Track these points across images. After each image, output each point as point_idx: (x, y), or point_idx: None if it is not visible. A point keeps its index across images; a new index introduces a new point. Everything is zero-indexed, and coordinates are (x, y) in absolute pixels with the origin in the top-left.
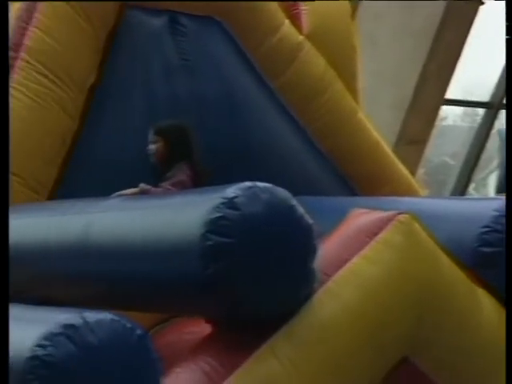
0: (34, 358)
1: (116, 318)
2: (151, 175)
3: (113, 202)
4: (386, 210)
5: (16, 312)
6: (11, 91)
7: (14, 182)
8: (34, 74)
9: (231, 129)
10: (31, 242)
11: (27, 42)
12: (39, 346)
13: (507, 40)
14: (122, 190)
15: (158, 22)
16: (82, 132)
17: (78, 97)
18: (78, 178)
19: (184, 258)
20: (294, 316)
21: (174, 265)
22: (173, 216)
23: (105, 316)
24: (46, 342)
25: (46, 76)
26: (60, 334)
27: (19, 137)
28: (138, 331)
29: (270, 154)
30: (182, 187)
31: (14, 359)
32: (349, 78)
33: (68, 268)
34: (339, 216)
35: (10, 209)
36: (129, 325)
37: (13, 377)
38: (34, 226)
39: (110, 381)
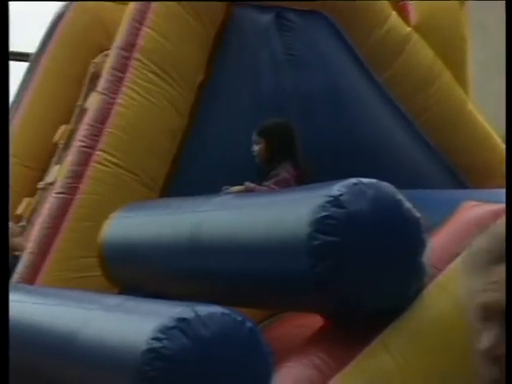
0: (150, 350)
1: (226, 311)
2: (258, 173)
3: (220, 200)
4: (497, 202)
5: (130, 305)
6: (126, 91)
7: (128, 178)
8: (147, 72)
9: (338, 124)
10: (146, 238)
11: (140, 41)
12: (155, 338)
13: (507, 39)
14: (231, 186)
15: (265, 18)
16: (191, 129)
17: (188, 95)
18: (188, 175)
19: (291, 257)
20: (404, 311)
21: (281, 263)
22: (279, 214)
23: (216, 309)
24: (162, 335)
25: (157, 75)
26: (174, 327)
27: (133, 135)
28: (249, 324)
29: (377, 148)
30: (285, 186)
31: (130, 351)
32: (458, 68)
33: (179, 265)
34: (450, 209)
35: (128, 207)
36: (239, 318)
37: (128, 368)
38: (148, 223)
39: (222, 373)
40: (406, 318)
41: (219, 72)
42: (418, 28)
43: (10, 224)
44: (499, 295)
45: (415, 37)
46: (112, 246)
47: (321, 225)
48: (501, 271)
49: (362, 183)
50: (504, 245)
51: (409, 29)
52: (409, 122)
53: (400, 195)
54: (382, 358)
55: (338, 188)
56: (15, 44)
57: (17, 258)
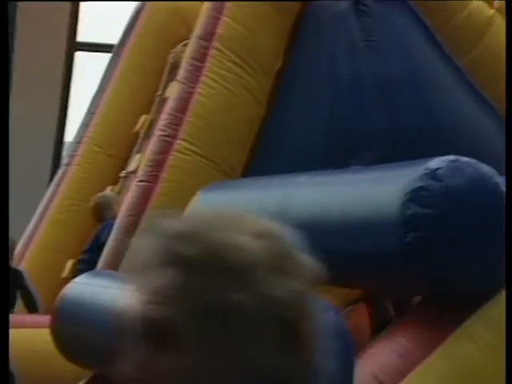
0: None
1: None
2: (337, 159)
3: (308, 177)
4: None
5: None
6: (206, 80)
7: (208, 166)
8: (226, 61)
9: (418, 109)
10: None
11: (219, 30)
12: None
13: (507, 39)
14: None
15: (342, 5)
16: (269, 117)
17: (265, 83)
18: (266, 163)
19: (382, 228)
20: (489, 298)
21: (371, 236)
22: (372, 188)
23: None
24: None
25: (236, 63)
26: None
27: (212, 123)
28: (332, 312)
29: (457, 134)
30: None
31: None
32: None
33: None
34: None
35: (211, 187)
36: (323, 304)
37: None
38: (233, 202)
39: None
40: (490, 305)
41: (296, 59)
42: (502, 10)
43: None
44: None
45: (499, 19)
46: None
47: (416, 195)
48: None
49: (461, 161)
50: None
51: (492, 11)
52: (491, 108)
53: (498, 178)
54: (466, 347)
55: (436, 162)
56: (99, 36)
57: None
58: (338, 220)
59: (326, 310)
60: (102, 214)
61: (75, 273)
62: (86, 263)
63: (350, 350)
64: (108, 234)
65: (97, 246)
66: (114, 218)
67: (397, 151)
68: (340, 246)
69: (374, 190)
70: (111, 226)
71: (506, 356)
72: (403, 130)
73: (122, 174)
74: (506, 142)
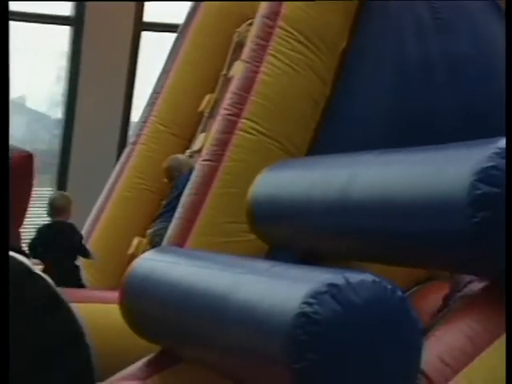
0: (302, 314)
1: (377, 279)
2: (403, 138)
3: (374, 156)
4: None
5: (279, 270)
6: (271, 59)
7: (272, 146)
8: (291, 40)
9: (486, 88)
10: (295, 195)
11: (284, 10)
12: (306, 303)
13: (507, 39)
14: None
15: None
16: (333, 96)
17: (331, 62)
18: (330, 142)
19: (450, 208)
20: None
21: (439, 216)
22: (439, 168)
23: (366, 277)
24: (313, 300)
25: (301, 42)
26: (325, 292)
27: (276, 102)
28: (399, 293)
29: None
30: None
31: (281, 315)
32: None
33: (329, 222)
34: None
35: (276, 165)
36: (389, 286)
37: (279, 331)
38: (297, 180)
39: (372, 340)
40: None
41: (362, 38)
42: None
43: None
44: None
45: None
46: (261, 203)
47: (485, 174)
48: None
49: None
50: None
51: None
52: None
53: None
54: None
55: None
56: (165, 15)
57: None
58: (403, 200)
59: (393, 291)
60: (174, 175)
61: (155, 230)
62: (168, 214)
63: (416, 332)
64: (185, 184)
65: (175, 197)
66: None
67: (465, 130)
68: (406, 227)
69: (441, 170)
70: (187, 177)
71: (506, 356)
72: (472, 108)
73: (187, 153)
74: (506, 141)
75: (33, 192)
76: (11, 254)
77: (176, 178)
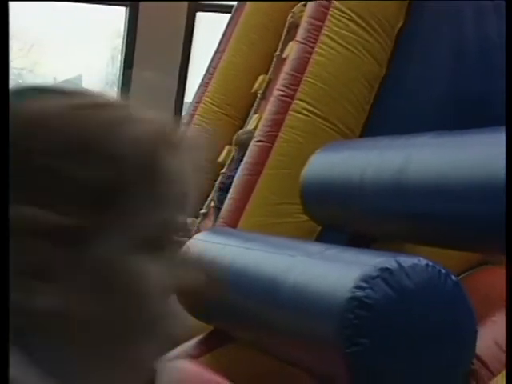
0: (353, 298)
1: (431, 263)
2: (460, 119)
3: (431, 137)
4: None
5: (332, 253)
6: (325, 39)
7: (326, 127)
8: (346, 21)
9: None
10: (348, 177)
11: None
12: (358, 287)
13: (507, 39)
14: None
15: None
16: (388, 77)
17: (386, 43)
18: (383, 124)
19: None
20: None
21: (495, 198)
22: (495, 150)
23: (419, 261)
24: (365, 284)
25: (356, 23)
26: (377, 276)
27: (330, 84)
28: (453, 277)
29: None
30: None
31: (333, 299)
32: None
33: (383, 205)
34: None
35: (330, 146)
36: (444, 270)
37: (331, 315)
38: (351, 161)
39: (424, 325)
40: None
41: (417, 18)
42: None
43: None
44: None
45: None
46: (313, 184)
47: None
48: None
49: None
50: None
51: None
52: None
53: None
54: None
55: None
56: None
57: None
58: (459, 183)
59: (446, 275)
60: (246, 148)
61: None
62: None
63: (470, 317)
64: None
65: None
66: None
67: None
68: (461, 209)
69: (498, 153)
70: None
71: (506, 356)
72: None
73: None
74: (506, 142)
75: None
76: None
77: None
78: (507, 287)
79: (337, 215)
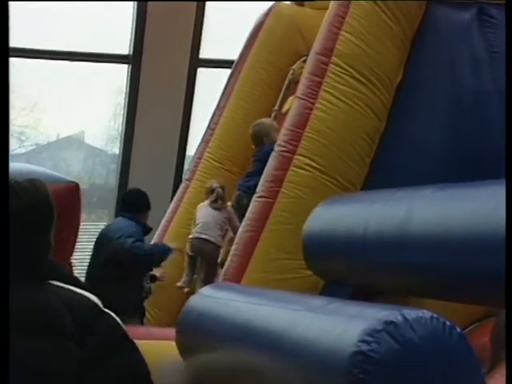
0: (358, 352)
1: (435, 315)
2: (459, 172)
3: (433, 191)
4: None
5: (335, 307)
6: (325, 95)
7: (327, 182)
8: (345, 76)
9: None
10: (351, 230)
11: (338, 46)
12: (363, 341)
13: (507, 40)
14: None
15: (464, 15)
16: (387, 130)
17: (385, 97)
18: (384, 177)
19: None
20: None
21: (498, 252)
22: (497, 205)
23: (423, 313)
24: (370, 338)
25: (356, 78)
26: (381, 330)
27: (331, 139)
28: (458, 330)
29: None
30: None
31: (338, 353)
32: None
33: (386, 258)
34: None
35: (331, 199)
36: (448, 323)
37: (336, 370)
38: (354, 215)
39: (430, 379)
40: None
41: (416, 70)
42: None
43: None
44: None
45: None
46: (316, 238)
47: None
48: None
49: None
50: None
51: None
52: None
53: None
54: None
55: None
56: (220, 52)
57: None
58: (462, 236)
59: (451, 328)
60: (261, 140)
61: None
62: (246, 188)
63: (476, 371)
64: (264, 161)
65: (257, 171)
66: (273, 142)
67: None
68: (464, 263)
69: (500, 206)
70: (268, 150)
71: (506, 356)
72: None
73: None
74: (505, 144)
75: (89, 225)
76: (80, 291)
77: (264, 142)
78: (507, 287)
79: (340, 269)
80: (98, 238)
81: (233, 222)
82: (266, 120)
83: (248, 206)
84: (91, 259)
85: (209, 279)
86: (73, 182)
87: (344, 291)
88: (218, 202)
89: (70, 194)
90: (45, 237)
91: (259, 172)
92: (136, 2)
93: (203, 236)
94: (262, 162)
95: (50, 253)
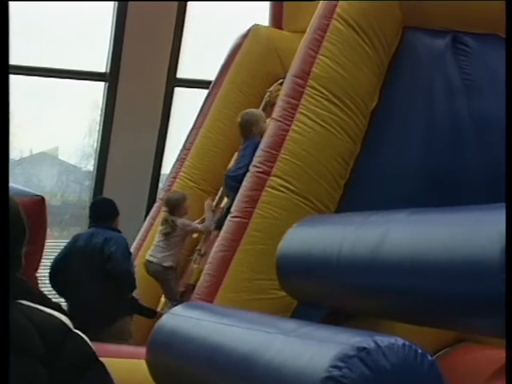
0: (330, 378)
1: (407, 343)
2: (432, 197)
3: (407, 214)
4: None
5: (307, 331)
6: (301, 117)
7: (301, 204)
8: (321, 100)
9: None
10: (325, 252)
11: (315, 69)
12: (334, 366)
13: (507, 40)
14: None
15: (439, 43)
16: (362, 154)
17: (361, 121)
18: (358, 200)
19: (482, 272)
20: None
21: (470, 279)
22: (471, 230)
23: (396, 340)
24: (341, 364)
25: (332, 102)
26: (354, 356)
27: (306, 161)
28: (429, 358)
29: None
30: None
31: (309, 378)
32: None
33: (360, 281)
34: None
35: (305, 221)
36: (420, 351)
37: None
38: (328, 237)
39: None
40: None
41: (391, 96)
42: None
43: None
44: None
45: None
46: (290, 259)
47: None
48: None
49: None
50: None
51: None
52: None
53: None
54: None
55: None
56: (197, 72)
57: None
58: (435, 261)
59: (423, 355)
60: (249, 130)
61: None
62: (233, 179)
63: None
64: (251, 153)
65: (245, 165)
66: (260, 135)
67: (492, 189)
68: (437, 288)
69: (472, 232)
70: (254, 145)
71: (506, 356)
72: (499, 168)
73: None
74: (506, 142)
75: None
76: (48, 310)
77: (253, 131)
78: (507, 287)
79: (313, 290)
80: (81, 247)
81: (189, 229)
82: (255, 110)
83: (234, 199)
84: (69, 264)
85: (172, 298)
86: (38, 195)
87: (317, 312)
88: (163, 226)
89: (36, 207)
90: (15, 255)
91: (246, 166)
92: (114, 21)
93: (148, 258)
94: (250, 156)
95: (19, 271)
